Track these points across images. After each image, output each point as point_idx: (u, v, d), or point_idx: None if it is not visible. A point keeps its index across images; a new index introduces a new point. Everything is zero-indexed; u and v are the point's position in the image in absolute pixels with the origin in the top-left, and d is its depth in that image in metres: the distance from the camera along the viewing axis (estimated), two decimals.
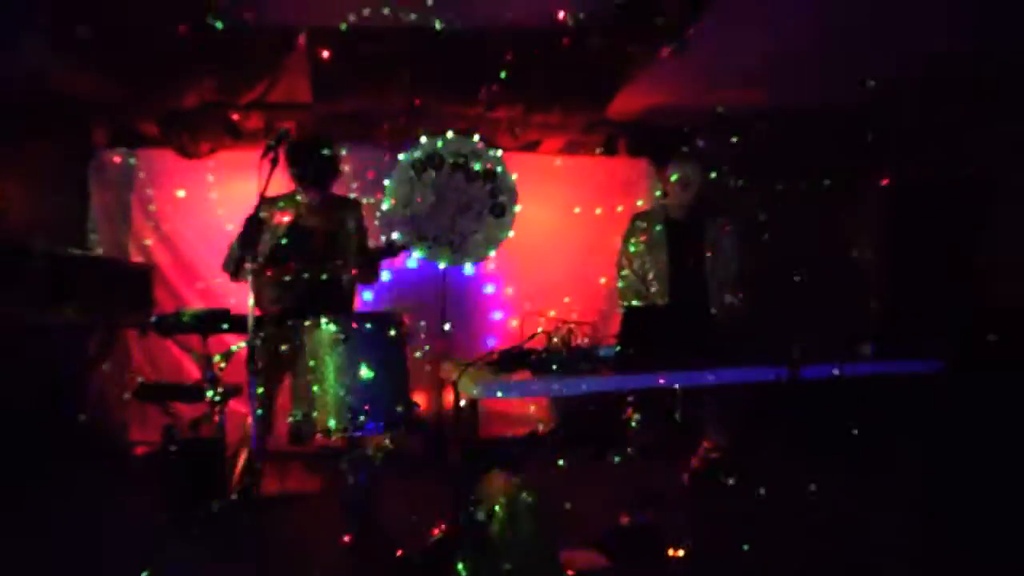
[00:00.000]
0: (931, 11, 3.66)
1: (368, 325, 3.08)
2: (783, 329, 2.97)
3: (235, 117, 5.25)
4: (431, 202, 5.19)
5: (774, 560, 3.10)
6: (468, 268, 5.52)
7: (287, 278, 3.50)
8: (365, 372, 2.97)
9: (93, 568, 3.18)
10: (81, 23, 4.00)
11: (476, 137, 5.30)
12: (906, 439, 3.90)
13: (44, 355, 4.37)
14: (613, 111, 5.50)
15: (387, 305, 5.33)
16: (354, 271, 3.67)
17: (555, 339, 2.91)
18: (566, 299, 5.43)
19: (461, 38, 4.43)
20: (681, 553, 3.22)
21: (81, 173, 5.30)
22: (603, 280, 5.48)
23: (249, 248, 3.03)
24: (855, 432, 3.53)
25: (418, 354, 4.65)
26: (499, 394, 2.76)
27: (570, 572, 2.92)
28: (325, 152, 3.55)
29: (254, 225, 3.07)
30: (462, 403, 2.86)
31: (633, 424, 3.57)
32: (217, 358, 3.77)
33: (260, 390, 3.19)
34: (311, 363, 3.01)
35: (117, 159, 5.31)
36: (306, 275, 3.51)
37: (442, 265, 5.26)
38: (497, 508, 2.66)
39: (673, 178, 3.71)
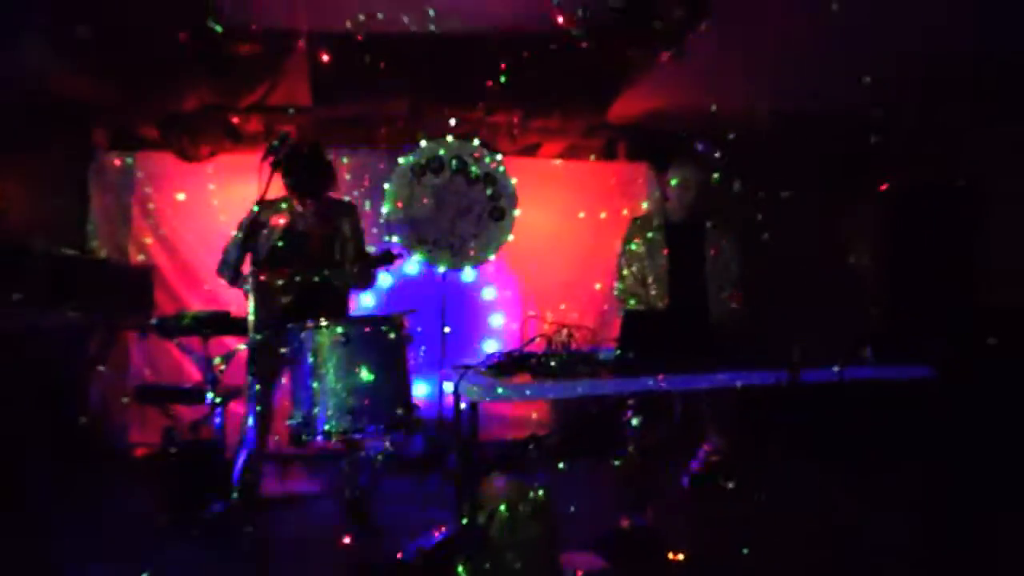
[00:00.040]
0: (931, 11, 3.68)
1: (369, 328, 3.09)
2: (783, 332, 2.98)
3: (235, 120, 5.27)
4: (431, 206, 5.20)
5: (773, 563, 3.10)
6: (468, 272, 5.53)
7: (280, 282, 3.51)
8: (366, 374, 2.98)
9: (93, 569, 3.18)
10: (81, 25, 4.01)
11: (476, 141, 5.31)
12: (906, 441, 3.91)
13: (44, 356, 4.37)
14: (612, 115, 5.52)
15: (387, 309, 5.34)
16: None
17: (555, 342, 2.92)
18: (562, 306, 5.43)
19: (460, 43, 4.45)
20: (681, 556, 3.23)
21: (81, 175, 5.30)
22: (597, 286, 5.51)
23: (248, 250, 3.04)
24: (855, 435, 3.54)
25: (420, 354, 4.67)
26: (499, 396, 2.76)
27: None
28: (318, 161, 3.56)
29: (254, 226, 3.08)
30: (462, 406, 2.86)
31: (632, 427, 3.57)
32: (217, 360, 3.78)
33: (258, 388, 3.21)
34: (312, 365, 3.02)
35: (117, 161, 5.32)
36: (298, 279, 3.52)
37: (442, 269, 5.27)
38: (498, 510, 2.67)
39: (673, 182, 3.71)
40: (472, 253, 5.31)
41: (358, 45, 4.26)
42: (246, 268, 3.48)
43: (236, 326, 3.87)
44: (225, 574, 3.17)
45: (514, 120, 5.44)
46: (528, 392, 2.82)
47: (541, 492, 2.78)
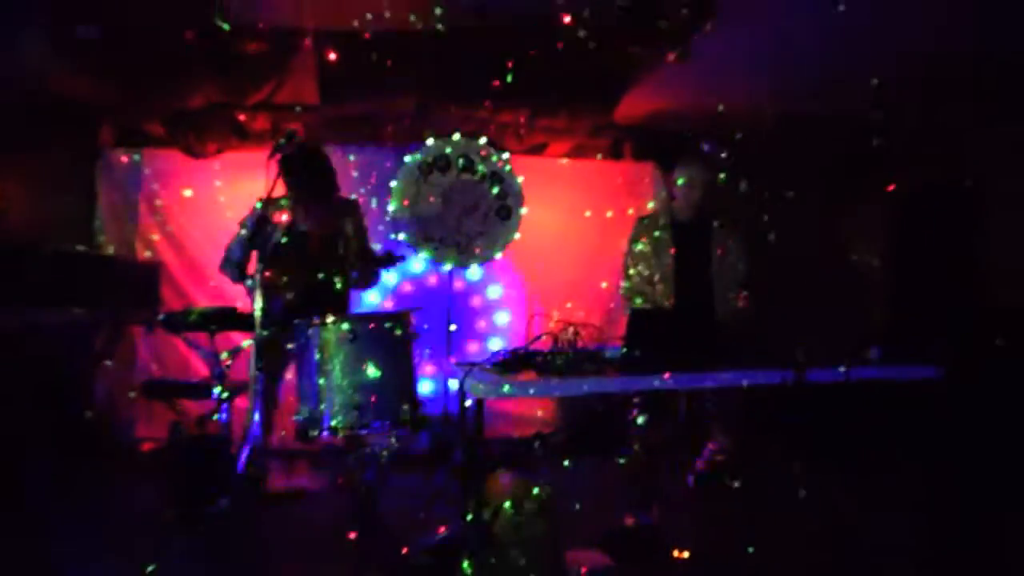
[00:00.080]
0: (931, 11, 3.68)
1: (375, 324, 3.10)
2: (788, 332, 2.98)
3: (242, 118, 5.28)
4: (437, 204, 5.21)
5: (778, 562, 3.10)
6: (474, 270, 5.54)
7: (284, 279, 3.52)
8: (372, 371, 2.99)
9: (99, 564, 3.19)
10: (87, 24, 4.02)
11: (483, 139, 5.32)
12: (911, 442, 3.91)
13: (51, 352, 4.40)
14: (619, 115, 5.52)
15: (394, 306, 5.35)
16: (353, 273, 3.70)
17: (561, 340, 2.92)
18: (568, 304, 5.43)
19: (467, 41, 4.45)
20: (685, 555, 3.23)
21: (88, 173, 5.33)
22: (604, 285, 5.51)
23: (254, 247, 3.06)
24: (861, 435, 3.54)
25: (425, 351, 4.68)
26: (505, 393, 2.77)
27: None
28: (319, 167, 3.58)
29: (260, 223, 3.10)
30: (468, 403, 2.87)
31: (638, 425, 3.58)
32: (224, 355, 3.79)
33: (263, 385, 3.23)
34: (319, 361, 3.03)
35: (124, 159, 5.34)
36: (302, 277, 3.53)
37: (448, 267, 5.28)
38: (503, 507, 2.68)
39: (680, 181, 3.72)
40: (478, 251, 5.32)
41: (365, 43, 4.27)
42: (251, 265, 3.50)
43: (243, 322, 3.88)
44: (231, 570, 3.18)
45: (521, 119, 5.45)
46: (534, 390, 2.82)
47: (546, 489, 2.79)
